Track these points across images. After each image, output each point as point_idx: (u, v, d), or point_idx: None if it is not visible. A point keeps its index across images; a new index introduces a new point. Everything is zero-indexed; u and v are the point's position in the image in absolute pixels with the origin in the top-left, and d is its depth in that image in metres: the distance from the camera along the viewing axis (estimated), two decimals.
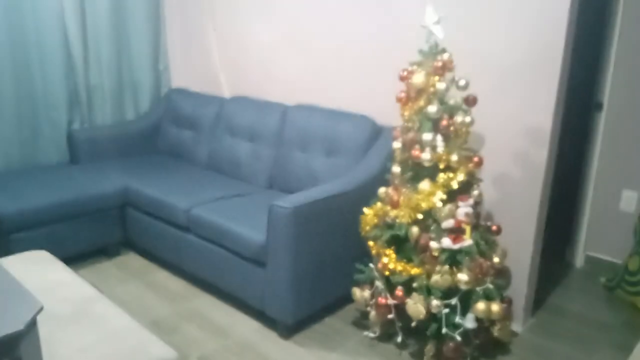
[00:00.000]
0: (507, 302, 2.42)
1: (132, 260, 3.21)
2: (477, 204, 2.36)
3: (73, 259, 3.01)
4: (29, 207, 2.78)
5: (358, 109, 2.95)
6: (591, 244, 3.32)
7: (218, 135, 3.46)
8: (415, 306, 2.21)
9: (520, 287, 2.56)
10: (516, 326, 2.59)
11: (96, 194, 3.05)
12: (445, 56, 2.26)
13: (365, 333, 2.51)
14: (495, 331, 2.34)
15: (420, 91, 2.29)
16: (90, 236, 3.07)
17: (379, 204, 2.42)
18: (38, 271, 1.98)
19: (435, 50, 2.27)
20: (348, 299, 2.53)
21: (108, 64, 3.71)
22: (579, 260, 3.32)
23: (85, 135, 3.56)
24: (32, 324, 1.17)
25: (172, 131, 3.77)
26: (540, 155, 2.40)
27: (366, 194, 2.52)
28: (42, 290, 1.84)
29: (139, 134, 3.80)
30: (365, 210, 2.44)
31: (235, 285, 2.61)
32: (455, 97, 2.29)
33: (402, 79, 2.32)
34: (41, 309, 1.18)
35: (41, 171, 3.30)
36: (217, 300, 2.77)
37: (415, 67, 2.30)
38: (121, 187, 3.15)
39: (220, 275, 2.67)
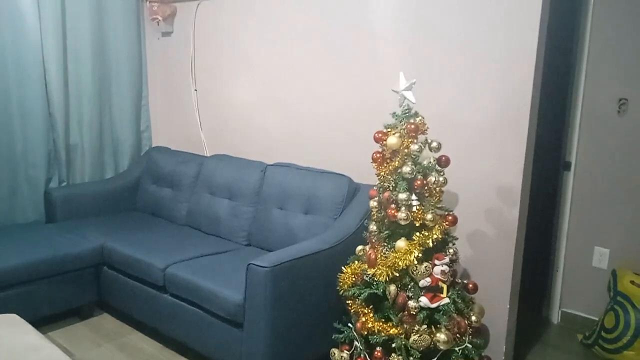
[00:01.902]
0: None
1: (105, 321, 3.13)
2: (453, 262, 2.39)
3: (45, 320, 2.94)
4: (1, 267, 2.72)
5: (335, 167, 3.02)
6: (566, 300, 3.35)
7: (197, 193, 3.48)
8: None
9: (499, 345, 2.56)
10: None
11: (71, 253, 3.00)
12: (418, 119, 2.35)
13: None
14: None
15: (394, 152, 2.36)
16: (63, 297, 3.00)
17: (356, 262, 2.44)
18: (7, 335, 1.92)
19: (408, 114, 2.36)
20: (327, 358, 2.49)
21: (89, 124, 3.75)
22: (555, 317, 3.34)
23: (63, 193, 3.54)
24: None
25: (151, 189, 3.77)
26: (512, 213, 2.47)
27: (344, 251, 2.54)
28: (11, 355, 1.79)
29: (118, 192, 3.79)
30: (344, 268, 2.45)
31: (211, 347, 2.55)
32: (428, 158, 2.36)
33: (376, 140, 2.39)
34: None
35: (16, 230, 3.25)
36: None
37: (389, 129, 2.38)
38: (97, 245, 3.11)
39: (197, 336, 2.62)
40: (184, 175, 3.60)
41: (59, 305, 2.99)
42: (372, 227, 2.44)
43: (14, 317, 2.09)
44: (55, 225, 3.39)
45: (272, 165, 3.22)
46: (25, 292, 2.82)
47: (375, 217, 2.44)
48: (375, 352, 2.25)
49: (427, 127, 2.36)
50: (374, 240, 2.43)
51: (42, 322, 2.94)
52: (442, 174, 2.35)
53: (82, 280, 3.07)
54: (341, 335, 2.43)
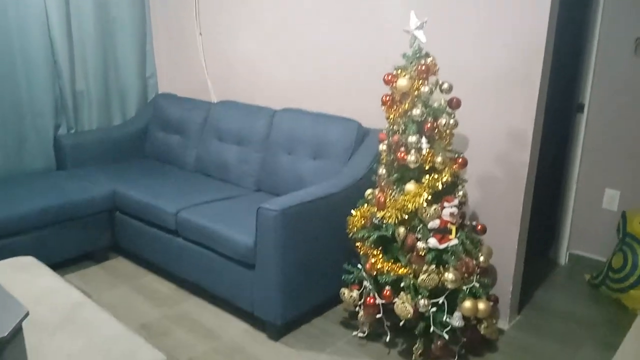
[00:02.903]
0: (494, 300, 2.45)
1: (120, 264, 3.21)
2: (462, 204, 2.40)
3: (61, 265, 3.01)
4: (15, 214, 2.77)
5: (344, 112, 2.98)
6: (575, 242, 3.37)
7: (206, 140, 3.47)
8: (403, 306, 2.23)
9: (506, 285, 2.60)
10: (502, 324, 2.63)
11: (83, 199, 3.04)
12: (429, 60, 2.29)
13: (354, 333, 2.54)
14: (482, 329, 2.37)
15: (404, 94, 2.32)
16: (78, 241, 3.06)
17: (365, 206, 2.45)
18: (25, 278, 1.98)
19: (419, 55, 2.30)
20: (337, 299, 2.56)
21: (94, 71, 3.70)
22: (563, 258, 3.38)
23: (72, 141, 3.55)
24: (17, 331, 1.17)
25: (159, 136, 3.77)
26: (522, 156, 2.44)
27: (353, 195, 2.55)
28: (30, 297, 1.85)
29: (126, 139, 3.80)
30: (353, 211, 2.46)
31: (224, 288, 2.62)
32: (439, 100, 2.32)
33: (386, 82, 2.35)
34: (26, 315, 1.19)
35: (28, 178, 3.29)
36: (206, 303, 2.79)
37: (399, 71, 2.33)
38: (109, 191, 3.15)
39: (209, 278, 2.68)
40: (192, 122, 3.59)
41: (74, 250, 3.06)
42: (381, 170, 2.44)
43: (31, 260, 2.14)
44: (66, 172, 3.43)
45: (280, 110, 3.19)
46: (40, 237, 2.88)
47: (384, 160, 2.43)
48: (384, 291, 2.30)
49: (438, 68, 2.31)
50: (383, 184, 2.43)
51: (59, 266, 3.02)
52: (452, 116, 2.32)
53: (95, 225, 3.13)
54: (351, 276, 2.48)
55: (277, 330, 2.50)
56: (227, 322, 2.62)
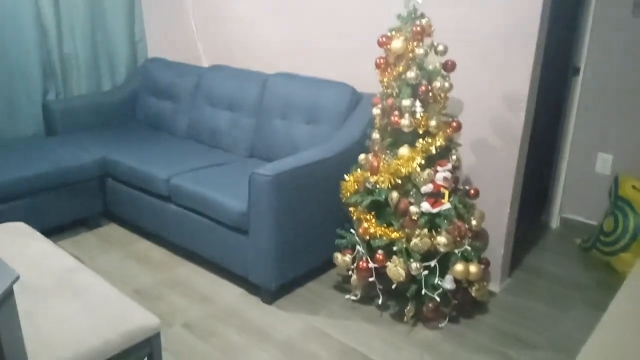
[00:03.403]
0: (485, 263, 2.48)
1: (113, 230, 3.20)
2: (455, 169, 2.39)
3: (53, 232, 3.01)
4: (5, 180, 2.74)
5: (338, 76, 2.94)
6: (567, 206, 3.40)
7: (197, 105, 3.42)
8: (396, 269, 2.25)
9: (497, 249, 2.62)
10: (494, 286, 2.66)
11: (74, 165, 3.01)
12: (424, 21, 2.25)
13: (347, 296, 2.56)
14: (473, 291, 2.40)
15: (399, 57, 2.28)
16: (69, 208, 3.04)
17: (359, 171, 2.44)
18: (16, 243, 1.97)
19: (414, 16, 2.26)
20: (330, 264, 2.57)
21: (82, 33, 3.62)
22: (555, 222, 3.41)
23: (62, 106, 3.49)
24: (8, 294, 1.17)
25: (150, 101, 3.71)
26: (517, 119, 2.43)
27: (346, 160, 2.53)
28: (22, 262, 1.84)
29: (117, 105, 3.74)
30: (346, 176, 2.45)
31: (218, 253, 2.63)
32: (433, 63, 2.29)
33: (380, 44, 2.31)
34: (17, 279, 1.18)
35: (18, 143, 3.24)
36: (200, 268, 2.80)
37: (393, 32, 2.28)
38: (99, 158, 3.11)
39: (203, 243, 2.68)
40: (183, 88, 3.53)
41: (66, 216, 3.05)
42: (375, 135, 2.42)
43: (22, 225, 2.13)
44: (55, 138, 3.38)
45: (273, 75, 3.14)
46: (31, 203, 2.86)
47: (378, 124, 2.41)
48: (377, 255, 2.31)
49: (433, 30, 2.27)
50: (376, 148, 2.41)
51: (51, 232, 3.01)
52: (447, 79, 2.29)
53: (87, 191, 3.11)
54: (344, 241, 2.49)
55: (271, 295, 2.52)
56: (222, 287, 2.64)
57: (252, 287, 2.59)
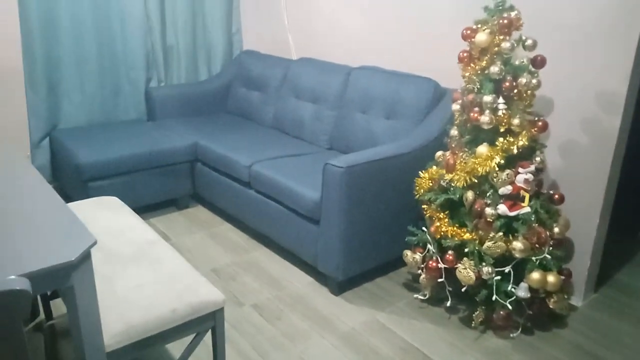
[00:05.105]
0: (566, 274, 2.32)
1: (199, 212, 3.40)
2: (539, 171, 2.27)
3: (146, 209, 3.26)
4: (107, 158, 3.00)
5: (423, 70, 2.89)
6: None
7: (283, 96, 3.52)
8: (465, 271, 2.18)
9: (583, 260, 2.44)
10: (576, 300, 2.49)
11: (168, 148, 3.23)
12: (512, 13, 2.14)
13: (416, 295, 2.52)
14: (551, 303, 2.26)
15: (483, 50, 2.20)
16: (162, 188, 3.27)
17: (434, 168, 2.39)
18: (106, 215, 2.15)
19: (502, 7, 2.16)
20: (400, 261, 2.55)
21: (183, 26, 3.86)
22: None
23: (162, 93, 3.76)
24: (86, 257, 1.29)
25: (241, 92, 3.88)
26: (612, 122, 2.24)
27: (423, 157, 2.49)
28: (108, 231, 2.01)
29: (211, 94, 3.95)
30: (421, 173, 2.41)
31: (291, 241, 2.70)
32: (521, 58, 2.18)
33: (464, 37, 2.24)
34: (94, 243, 1.30)
35: (120, 126, 3.54)
36: (274, 254, 2.89)
37: (479, 25, 2.20)
38: (191, 143, 3.32)
39: (278, 230, 2.77)
40: (272, 79, 3.65)
41: (158, 196, 3.28)
42: (453, 131, 2.36)
43: (114, 199, 2.32)
44: (154, 123, 3.65)
45: (357, 68, 3.15)
46: (127, 181, 3.11)
47: (457, 121, 2.34)
48: (447, 256, 2.25)
49: (522, 23, 2.16)
50: (454, 146, 2.35)
51: (144, 209, 3.27)
52: (535, 75, 2.17)
53: (178, 174, 3.32)
54: (414, 238, 2.45)
55: (339, 285, 2.54)
56: (293, 274, 2.71)
57: (321, 277, 2.63)
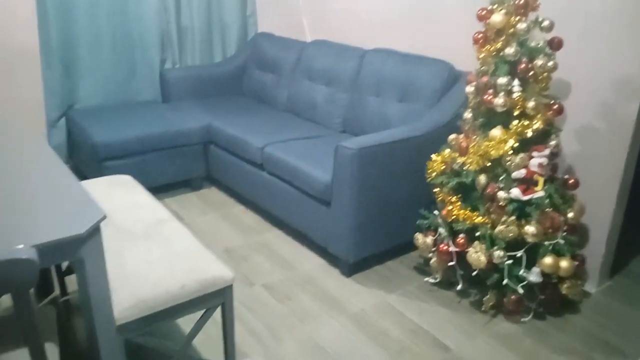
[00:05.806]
0: (580, 260, 2.29)
1: (213, 193, 3.42)
2: (554, 155, 2.23)
3: (161, 189, 3.29)
4: (122, 138, 3.03)
5: (437, 52, 2.84)
6: None
7: (297, 79, 3.51)
8: (477, 255, 2.17)
9: (598, 247, 2.41)
10: (589, 286, 2.46)
11: (182, 130, 3.25)
12: None
13: (426, 279, 2.52)
14: (564, 289, 2.24)
15: (498, 32, 2.16)
16: (176, 169, 3.30)
17: (447, 151, 2.36)
18: (119, 193, 2.18)
19: None
20: (411, 244, 2.54)
21: (198, 7, 3.85)
22: None
23: (177, 75, 3.77)
24: (95, 231, 1.31)
25: (255, 74, 3.87)
26: (630, 107, 2.19)
27: (436, 140, 2.46)
28: (120, 208, 2.04)
29: (226, 76, 3.95)
30: (433, 156, 2.39)
31: (302, 222, 2.70)
32: (537, 39, 2.13)
33: (480, 18, 2.19)
34: (103, 217, 1.31)
35: (135, 107, 3.56)
36: (285, 236, 2.90)
37: (495, 5, 2.16)
38: (205, 125, 3.33)
39: (290, 211, 2.78)
40: (285, 61, 3.63)
41: (172, 176, 3.31)
42: (467, 114, 2.33)
43: (128, 178, 2.35)
44: (169, 104, 3.67)
45: (371, 50, 3.12)
46: (142, 161, 3.14)
47: (471, 103, 2.31)
48: (458, 239, 2.24)
49: (539, 4, 2.11)
50: (467, 128, 2.32)
51: (159, 189, 3.30)
52: (552, 57, 2.12)
53: (192, 155, 3.34)
54: (426, 222, 2.44)
55: (349, 268, 2.55)
56: (304, 256, 2.72)
57: (332, 259, 2.63)
